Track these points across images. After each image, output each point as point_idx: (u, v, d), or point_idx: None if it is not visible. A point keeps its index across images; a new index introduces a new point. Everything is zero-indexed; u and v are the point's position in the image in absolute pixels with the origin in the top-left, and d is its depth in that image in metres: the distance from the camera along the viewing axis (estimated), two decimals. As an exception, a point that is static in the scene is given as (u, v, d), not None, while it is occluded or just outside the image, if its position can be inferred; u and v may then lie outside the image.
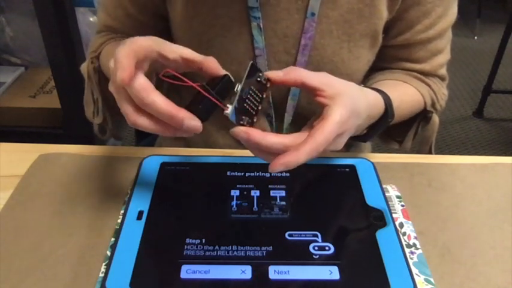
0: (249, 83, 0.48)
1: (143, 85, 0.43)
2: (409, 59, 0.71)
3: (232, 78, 0.48)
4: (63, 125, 1.51)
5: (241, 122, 0.47)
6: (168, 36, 0.74)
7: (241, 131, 0.45)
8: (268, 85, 0.49)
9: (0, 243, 0.50)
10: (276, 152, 0.45)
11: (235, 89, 0.46)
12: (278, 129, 0.73)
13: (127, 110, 0.45)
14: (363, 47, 0.67)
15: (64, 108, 1.45)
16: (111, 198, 0.56)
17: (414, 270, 0.48)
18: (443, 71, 0.74)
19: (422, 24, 0.67)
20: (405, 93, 0.69)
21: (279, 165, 0.45)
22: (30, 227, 0.53)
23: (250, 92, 0.48)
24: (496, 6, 3.21)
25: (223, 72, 0.47)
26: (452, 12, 0.69)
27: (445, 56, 0.73)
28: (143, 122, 0.45)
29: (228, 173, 0.58)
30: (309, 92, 0.49)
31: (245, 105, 0.47)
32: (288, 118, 0.72)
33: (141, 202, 0.53)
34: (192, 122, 0.44)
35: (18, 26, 1.64)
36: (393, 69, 0.73)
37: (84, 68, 0.69)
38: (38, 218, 0.54)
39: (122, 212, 0.53)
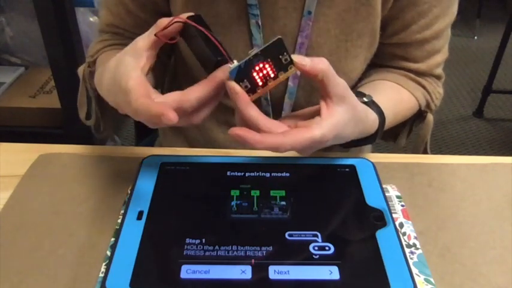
0: (269, 56, 0.47)
1: (178, 101, 0.47)
2: (405, 58, 0.71)
3: (192, 14, 0.50)
4: (63, 125, 1.51)
5: (240, 84, 0.47)
6: None
7: (233, 86, 0.47)
8: (290, 68, 0.48)
9: (0, 243, 0.50)
10: (250, 125, 0.48)
11: (249, 52, 0.47)
12: None
13: (183, 123, 0.49)
14: (361, 47, 0.67)
15: (64, 108, 1.45)
16: (111, 198, 0.56)
17: (414, 270, 0.48)
18: (439, 70, 0.74)
19: (418, 24, 0.67)
20: (400, 101, 0.69)
21: (237, 133, 0.47)
22: (30, 227, 0.53)
23: (266, 64, 0.47)
24: (496, 6, 3.21)
25: (180, 19, 0.49)
26: (451, 12, 0.69)
27: (442, 56, 0.72)
28: (203, 114, 0.50)
29: (228, 173, 0.58)
30: (321, 91, 0.50)
31: (252, 71, 0.47)
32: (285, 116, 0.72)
33: (141, 202, 0.53)
34: (227, 71, 0.48)
35: (18, 26, 1.64)
36: (389, 66, 0.73)
37: (80, 70, 0.70)
38: (38, 218, 0.54)
39: (122, 212, 0.53)
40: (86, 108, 0.70)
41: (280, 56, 0.48)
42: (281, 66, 0.48)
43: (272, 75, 0.48)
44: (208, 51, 0.48)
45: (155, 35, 0.49)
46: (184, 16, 0.49)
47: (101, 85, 0.55)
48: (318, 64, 0.48)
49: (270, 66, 0.48)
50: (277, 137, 0.47)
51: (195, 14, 0.50)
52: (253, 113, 0.48)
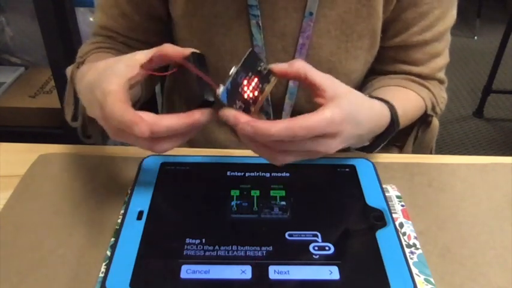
0: (249, 69, 0.47)
1: (152, 122, 0.45)
2: (406, 61, 0.71)
3: (197, 51, 0.48)
4: (63, 125, 1.51)
5: (234, 106, 0.46)
6: (163, 38, 0.74)
7: (230, 114, 0.46)
8: (271, 77, 0.48)
9: (0, 243, 0.50)
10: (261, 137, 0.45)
11: (230, 72, 0.46)
12: None
13: (145, 146, 0.47)
14: (362, 48, 0.67)
15: (64, 108, 1.45)
16: (111, 198, 0.56)
17: (414, 270, 0.48)
18: (441, 75, 0.73)
19: (418, 26, 0.67)
20: (408, 100, 0.68)
21: (247, 125, 0.45)
22: (30, 227, 0.53)
23: (249, 79, 0.47)
24: (496, 6, 3.21)
25: (186, 51, 0.48)
26: (451, 15, 0.68)
27: (443, 59, 0.72)
28: (167, 146, 0.48)
29: (228, 173, 0.58)
30: (310, 89, 0.49)
31: (240, 90, 0.47)
32: (285, 117, 0.72)
33: (141, 202, 0.53)
34: (206, 115, 0.47)
35: (18, 26, 1.64)
36: (391, 72, 0.72)
37: (69, 70, 0.69)
38: (38, 218, 0.54)
39: (122, 212, 0.53)
40: (73, 109, 0.68)
41: (259, 68, 0.48)
42: (263, 77, 0.48)
43: (258, 89, 0.48)
44: (197, 89, 0.47)
45: (141, 66, 0.48)
46: (187, 52, 0.48)
47: (81, 80, 0.53)
48: (294, 64, 0.48)
49: (253, 80, 0.48)
50: (289, 120, 0.45)
51: (198, 52, 0.49)
52: (263, 124, 0.45)
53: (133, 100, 0.64)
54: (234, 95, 0.47)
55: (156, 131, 0.45)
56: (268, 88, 0.48)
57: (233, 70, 0.47)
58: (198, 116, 0.47)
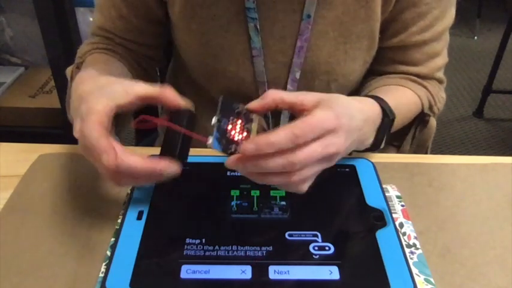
0: (229, 114, 0.48)
1: (118, 154, 0.45)
2: (405, 62, 0.70)
3: (193, 111, 0.49)
4: (63, 125, 1.51)
5: (230, 150, 0.47)
6: (161, 40, 0.74)
7: (233, 160, 0.45)
8: (252, 115, 0.49)
9: (0, 243, 0.50)
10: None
11: (212, 122, 0.47)
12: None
13: (107, 175, 0.47)
14: (360, 49, 0.67)
15: (64, 108, 1.45)
16: (111, 198, 0.56)
17: (414, 270, 0.48)
18: (440, 74, 0.73)
19: (417, 26, 0.66)
20: (403, 96, 0.68)
21: (248, 145, 0.44)
22: (30, 227, 0.53)
23: (233, 123, 0.48)
24: (496, 6, 3.21)
25: (182, 102, 0.49)
26: (450, 15, 0.68)
27: (442, 59, 0.72)
28: (129, 182, 0.49)
29: (228, 173, 0.58)
30: (294, 110, 0.49)
31: (228, 135, 0.48)
32: (284, 119, 0.72)
33: (141, 202, 0.53)
34: (171, 169, 0.47)
35: (18, 26, 1.64)
36: (390, 72, 0.72)
37: (69, 71, 0.69)
38: (38, 218, 0.54)
39: (122, 212, 0.53)
40: None
41: (237, 110, 0.49)
42: (245, 117, 0.49)
43: (246, 129, 0.48)
44: (175, 144, 0.49)
45: (135, 124, 0.49)
46: (183, 103, 0.49)
47: (77, 87, 0.53)
48: (267, 95, 0.49)
49: (237, 123, 0.48)
50: (286, 126, 0.44)
51: (190, 109, 0.50)
52: (261, 137, 0.45)
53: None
54: (225, 142, 0.47)
55: (119, 164, 0.45)
56: (254, 126, 0.49)
57: (214, 120, 0.47)
58: (163, 166, 0.47)
